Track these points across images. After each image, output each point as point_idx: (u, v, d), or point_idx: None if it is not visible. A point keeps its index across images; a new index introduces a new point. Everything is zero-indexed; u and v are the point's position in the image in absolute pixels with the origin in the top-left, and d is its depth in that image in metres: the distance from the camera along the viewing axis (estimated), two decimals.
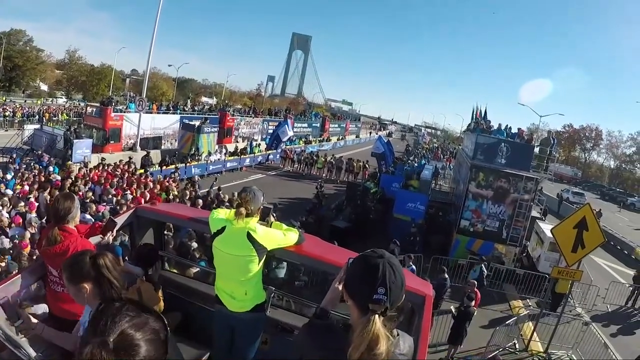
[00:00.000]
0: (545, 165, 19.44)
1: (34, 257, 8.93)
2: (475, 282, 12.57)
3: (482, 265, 15.30)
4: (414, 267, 14.10)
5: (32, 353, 2.75)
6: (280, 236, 3.73)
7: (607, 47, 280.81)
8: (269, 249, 3.64)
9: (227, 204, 17.12)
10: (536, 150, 20.01)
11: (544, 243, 18.41)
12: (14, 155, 22.52)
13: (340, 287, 2.15)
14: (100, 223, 4.45)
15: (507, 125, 21.96)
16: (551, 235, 13.25)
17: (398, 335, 2.01)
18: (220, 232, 3.65)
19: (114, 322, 1.41)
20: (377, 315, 1.86)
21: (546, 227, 18.80)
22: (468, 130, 28.74)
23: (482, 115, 26.77)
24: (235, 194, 18.18)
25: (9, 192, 14.47)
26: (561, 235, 11.69)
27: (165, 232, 7.32)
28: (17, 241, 10.48)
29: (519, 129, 21.59)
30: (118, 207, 13.97)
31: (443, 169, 41.77)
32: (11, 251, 9.93)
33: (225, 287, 3.77)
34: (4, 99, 62.36)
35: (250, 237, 3.53)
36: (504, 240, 18.58)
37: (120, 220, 4.44)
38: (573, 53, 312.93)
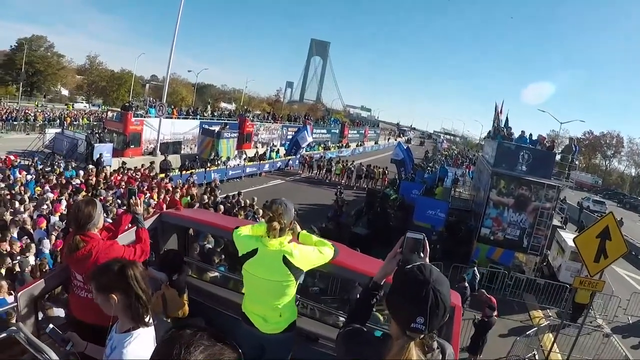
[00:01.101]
0: (567, 173, 19.23)
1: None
2: (484, 291, 12.44)
3: (475, 268, 15.12)
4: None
5: (55, 357, 2.73)
6: (316, 255, 3.45)
7: (631, 52, 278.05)
8: (305, 271, 3.45)
9: (249, 208, 17.17)
10: (557, 157, 19.77)
11: (565, 252, 18.15)
12: (36, 159, 22.80)
13: (394, 263, 2.18)
14: (122, 213, 4.45)
15: (529, 133, 21.75)
16: (573, 244, 13.07)
17: (438, 348, 1.98)
18: (251, 254, 3.38)
19: (189, 352, 1.35)
20: (413, 343, 1.83)
21: (567, 236, 18.58)
22: (489, 137, 28.54)
23: (504, 122, 26.56)
24: (255, 198, 18.35)
25: (50, 195, 14.62)
26: (584, 245, 11.50)
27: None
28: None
29: (539, 135, 21.39)
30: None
31: (462, 176, 41.48)
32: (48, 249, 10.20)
33: (257, 310, 3.52)
34: (36, 103, 63.73)
35: (286, 260, 3.29)
36: (524, 249, 18.29)
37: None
38: (594, 57, 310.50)
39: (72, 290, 3.74)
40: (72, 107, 67.05)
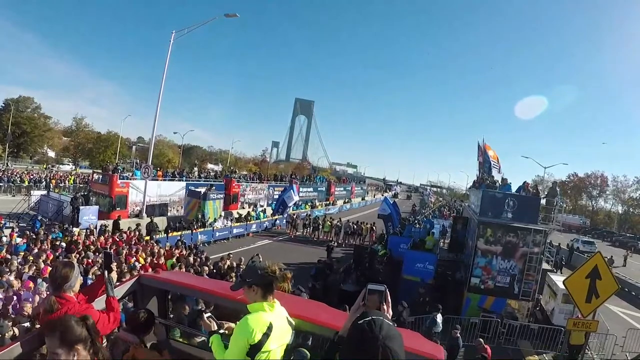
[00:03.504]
0: (553, 217, 19.30)
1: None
2: (482, 341, 12.30)
3: (438, 314, 15.09)
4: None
5: None
6: None
7: (611, 93, 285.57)
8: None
9: (236, 270, 16.92)
10: (543, 202, 19.89)
11: (557, 295, 18.13)
12: (40, 217, 22.92)
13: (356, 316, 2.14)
14: (100, 276, 4.37)
15: (510, 183, 21.75)
16: (564, 287, 13.03)
17: None
18: (268, 333, 2.89)
19: None
20: None
21: (558, 278, 18.60)
22: (474, 187, 28.69)
23: (487, 170, 26.69)
24: (243, 259, 18.18)
25: (79, 266, 14.44)
26: (574, 286, 11.49)
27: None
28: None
29: (524, 182, 21.49)
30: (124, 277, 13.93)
31: (450, 227, 41.51)
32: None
33: None
34: (44, 166, 65.17)
35: (288, 320, 3.20)
36: (516, 295, 18.19)
37: (123, 288, 4.43)
38: (577, 100, 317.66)
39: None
40: (79, 168, 67.04)
